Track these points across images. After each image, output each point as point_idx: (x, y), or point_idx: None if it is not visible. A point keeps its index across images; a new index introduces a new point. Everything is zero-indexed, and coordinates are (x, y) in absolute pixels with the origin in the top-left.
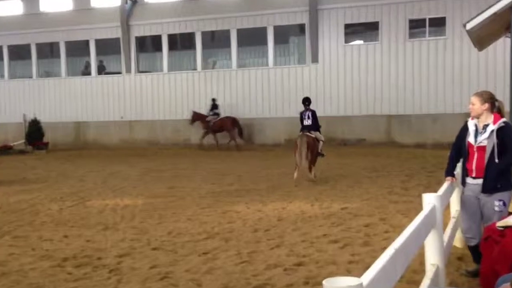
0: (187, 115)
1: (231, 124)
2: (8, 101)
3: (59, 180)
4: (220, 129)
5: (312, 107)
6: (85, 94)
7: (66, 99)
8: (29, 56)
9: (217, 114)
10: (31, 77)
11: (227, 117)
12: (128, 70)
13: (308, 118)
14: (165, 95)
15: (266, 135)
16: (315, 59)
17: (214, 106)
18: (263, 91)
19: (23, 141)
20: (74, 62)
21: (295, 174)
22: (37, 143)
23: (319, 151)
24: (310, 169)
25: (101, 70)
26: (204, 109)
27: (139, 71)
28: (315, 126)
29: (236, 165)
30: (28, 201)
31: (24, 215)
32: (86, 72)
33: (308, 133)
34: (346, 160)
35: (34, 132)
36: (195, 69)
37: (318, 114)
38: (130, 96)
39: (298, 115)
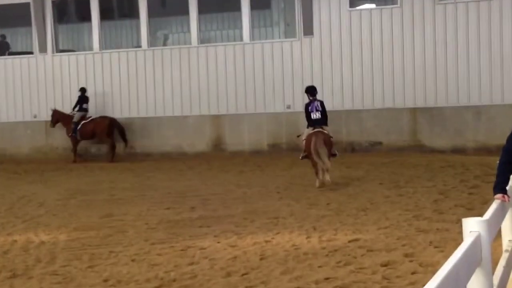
0: (129, 112)
1: (108, 127)
2: None
3: None
4: (92, 134)
5: (304, 98)
6: None
7: None
8: None
9: (85, 111)
10: None
11: (102, 118)
12: (43, 49)
13: (317, 110)
14: (96, 83)
15: (241, 138)
16: (308, 31)
17: (83, 99)
18: (236, 77)
19: None
20: None
21: (317, 182)
22: None
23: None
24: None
25: (4, 49)
26: (153, 102)
27: (59, 50)
28: (325, 119)
29: (200, 182)
30: None
31: None
32: None
33: (321, 129)
34: (355, 172)
35: None
36: (138, 46)
37: None
38: (46, 86)
39: (296, 109)
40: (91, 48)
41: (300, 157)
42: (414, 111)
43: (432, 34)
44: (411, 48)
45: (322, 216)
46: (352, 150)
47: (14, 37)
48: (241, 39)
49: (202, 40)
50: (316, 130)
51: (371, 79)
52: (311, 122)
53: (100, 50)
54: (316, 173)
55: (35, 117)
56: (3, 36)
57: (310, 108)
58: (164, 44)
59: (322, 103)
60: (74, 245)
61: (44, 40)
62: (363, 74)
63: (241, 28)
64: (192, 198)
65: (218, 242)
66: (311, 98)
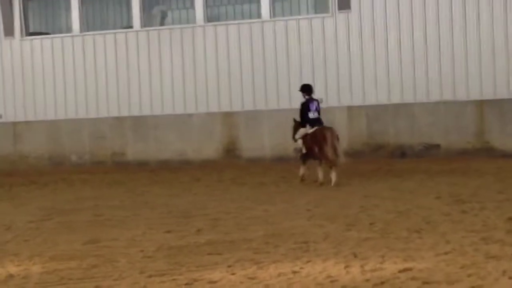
0: (118, 110)
1: None
2: None
3: None
4: None
5: (340, 90)
6: None
7: None
8: None
9: None
10: None
11: None
12: (9, 32)
13: (316, 110)
14: (76, 74)
15: (260, 142)
16: (344, 4)
17: None
18: (253, 64)
19: None
20: None
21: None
22: None
23: None
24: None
25: None
26: (149, 97)
27: (29, 33)
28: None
29: (209, 197)
30: None
31: None
32: None
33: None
34: (405, 182)
35: None
36: (129, 26)
37: (351, 100)
38: (13, 78)
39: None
40: (69, 30)
41: (299, 156)
42: (480, 104)
43: (503, 10)
44: (475, 26)
45: (364, 239)
46: (401, 154)
47: None
48: (259, 16)
49: (209, 18)
50: (323, 127)
51: (424, 64)
52: (309, 122)
53: (81, 32)
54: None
55: (0, 117)
56: None
57: (309, 106)
58: (162, 24)
59: (319, 102)
60: (51, 279)
61: (11, 21)
62: (414, 59)
63: (258, 1)
64: (199, 218)
65: (233, 274)
66: (307, 97)
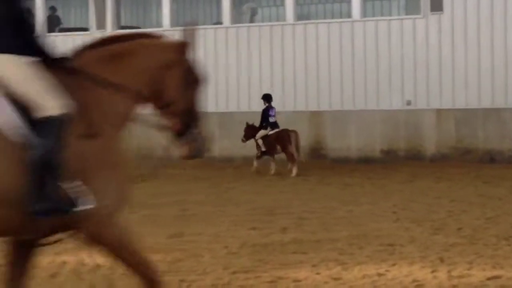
0: (208, 105)
1: None
2: None
3: None
4: None
5: (430, 92)
6: None
7: None
8: None
9: None
10: None
11: None
12: (101, 25)
13: (274, 115)
14: None
15: (347, 142)
16: (437, 6)
17: None
18: (342, 63)
19: None
20: None
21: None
22: None
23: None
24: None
25: (54, 24)
26: (236, 94)
27: (120, 26)
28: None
29: (294, 196)
30: None
31: None
32: None
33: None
34: (494, 189)
35: None
36: (219, 23)
37: (440, 103)
38: None
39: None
40: (160, 25)
41: (258, 154)
42: None
43: None
44: None
45: (451, 244)
46: (490, 160)
47: (66, 9)
48: (350, 15)
49: (299, 16)
50: (287, 129)
51: None
52: (270, 125)
53: (171, 27)
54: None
55: None
56: (53, 9)
57: (270, 112)
58: (251, 21)
59: (275, 109)
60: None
61: (103, 14)
62: (507, 62)
63: (349, 1)
64: (284, 217)
65: (317, 274)
66: (267, 104)
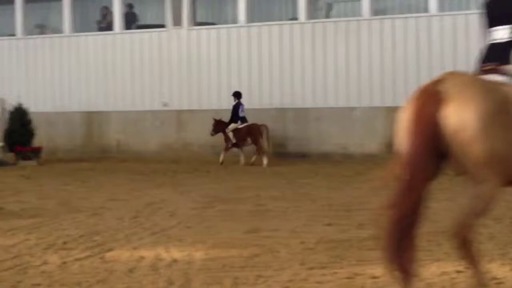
0: (279, 103)
1: None
2: None
3: (60, 214)
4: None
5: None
6: (102, 63)
7: (71, 73)
8: (9, 0)
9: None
10: (13, 34)
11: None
12: (178, 22)
13: (242, 110)
14: (240, 63)
15: None
16: None
17: None
18: (418, 58)
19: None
20: (84, 9)
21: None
22: (23, 148)
23: None
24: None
25: (131, 21)
26: (311, 90)
27: (196, 22)
28: None
29: (371, 192)
30: (9, 249)
31: (2, 272)
32: (104, 25)
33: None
34: None
35: (18, 130)
36: (294, 18)
37: None
38: (180, 67)
39: (232, 107)
40: (235, 21)
41: (228, 147)
42: None
43: None
44: None
45: None
46: None
47: (143, 6)
48: (427, 10)
49: (375, 11)
50: (257, 124)
51: None
52: (240, 119)
53: (247, 22)
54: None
55: (165, 105)
56: (130, 6)
57: (240, 108)
58: (327, 16)
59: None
60: (213, 266)
61: (179, 11)
62: None
63: None
64: (360, 213)
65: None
66: (237, 100)
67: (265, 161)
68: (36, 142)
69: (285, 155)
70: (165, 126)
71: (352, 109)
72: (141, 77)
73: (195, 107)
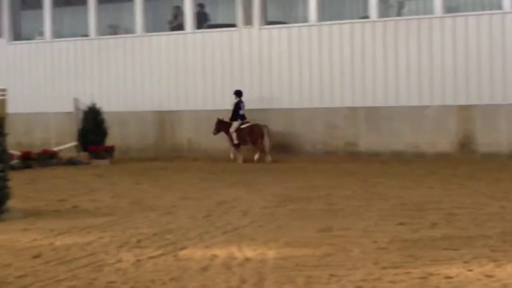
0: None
1: None
2: (50, 75)
3: (133, 212)
4: None
5: None
6: (174, 63)
7: (144, 72)
8: (82, 1)
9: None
10: (86, 35)
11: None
12: (249, 21)
13: (243, 108)
14: (311, 64)
15: (498, 137)
16: None
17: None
18: (491, 56)
19: (73, 143)
20: (156, 10)
21: (257, 156)
22: (96, 147)
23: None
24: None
25: (202, 21)
26: (383, 88)
27: (267, 22)
28: None
29: (443, 191)
30: (84, 247)
31: (78, 269)
32: (176, 25)
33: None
34: None
35: (92, 130)
36: (365, 17)
37: None
38: (250, 65)
39: (233, 106)
40: (306, 20)
41: (233, 145)
42: None
43: None
44: None
45: None
46: None
47: (214, 6)
48: (500, 7)
49: (448, 9)
50: (259, 124)
51: None
52: (240, 117)
53: (318, 21)
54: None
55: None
56: (201, 6)
57: (241, 106)
58: (399, 14)
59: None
60: (286, 265)
61: (250, 10)
62: None
63: None
64: (433, 212)
65: (469, 270)
66: (238, 99)
67: (268, 157)
68: (109, 141)
69: (356, 154)
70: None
71: (424, 107)
72: (212, 77)
73: (266, 106)
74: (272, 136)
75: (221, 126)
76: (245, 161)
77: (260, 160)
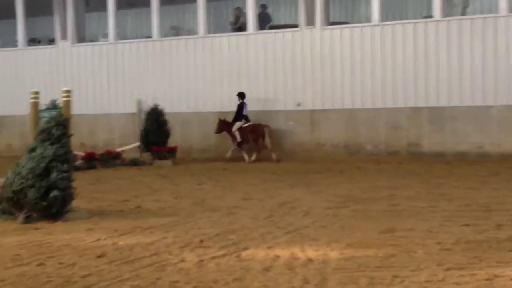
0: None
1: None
2: (113, 76)
3: (195, 213)
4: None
5: None
6: (236, 64)
7: (206, 73)
8: (145, 3)
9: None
10: (149, 36)
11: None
12: (311, 22)
13: (246, 109)
14: (374, 64)
15: None
16: None
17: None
18: None
19: (136, 144)
20: (218, 11)
21: (254, 156)
22: (159, 148)
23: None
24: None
25: (264, 22)
26: (446, 88)
27: (329, 22)
28: None
29: (509, 192)
30: (148, 246)
31: (142, 269)
32: (238, 26)
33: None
34: None
35: (154, 130)
36: (428, 16)
37: None
38: (312, 66)
39: (237, 107)
40: (369, 20)
41: (236, 144)
42: None
43: None
44: None
45: None
46: None
47: (276, 7)
48: None
49: None
50: (260, 124)
51: None
52: (243, 118)
53: (380, 21)
54: (258, 152)
55: (298, 105)
56: (264, 6)
57: (244, 107)
58: (463, 13)
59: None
60: (349, 266)
61: (312, 11)
62: None
63: None
64: (499, 213)
65: None
66: (241, 100)
67: (274, 156)
68: (171, 142)
69: (420, 154)
70: (298, 126)
71: (488, 107)
72: (274, 77)
73: (328, 106)
74: (273, 136)
75: (223, 126)
76: (258, 160)
77: (259, 159)
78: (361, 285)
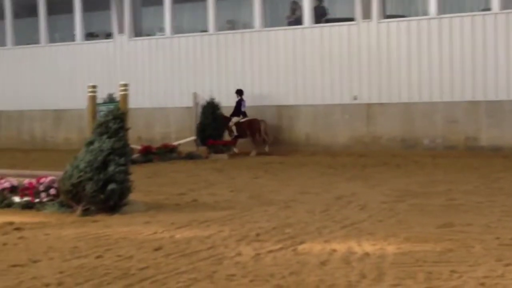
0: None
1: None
2: (170, 70)
3: (252, 206)
4: None
5: None
6: (292, 57)
7: (262, 67)
8: None
9: None
10: (205, 30)
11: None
12: (367, 15)
13: (245, 106)
14: (431, 57)
15: None
16: None
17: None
18: None
19: (192, 138)
20: (274, 4)
21: (254, 152)
22: (215, 142)
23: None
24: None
25: (320, 15)
26: (506, 82)
27: (386, 15)
28: None
29: None
30: (204, 240)
31: (198, 262)
32: (294, 19)
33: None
34: None
35: (211, 124)
36: (487, 9)
37: None
38: (369, 60)
39: (235, 103)
40: (426, 13)
41: (232, 137)
42: None
43: None
44: None
45: None
46: None
47: (332, 0)
48: None
49: None
50: (257, 119)
51: None
52: (242, 114)
53: (438, 14)
54: (255, 146)
55: (355, 99)
56: (320, 0)
57: (242, 104)
58: None
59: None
60: (406, 260)
61: (368, 4)
62: None
63: None
64: None
65: None
66: (240, 97)
67: (267, 148)
68: (227, 135)
69: (478, 148)
70: (354, 120)
71: None
72: (330, 71)
73: (384, 100)
74: (270, 130)
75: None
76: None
77: (257, 153)
78: (419, 280)
